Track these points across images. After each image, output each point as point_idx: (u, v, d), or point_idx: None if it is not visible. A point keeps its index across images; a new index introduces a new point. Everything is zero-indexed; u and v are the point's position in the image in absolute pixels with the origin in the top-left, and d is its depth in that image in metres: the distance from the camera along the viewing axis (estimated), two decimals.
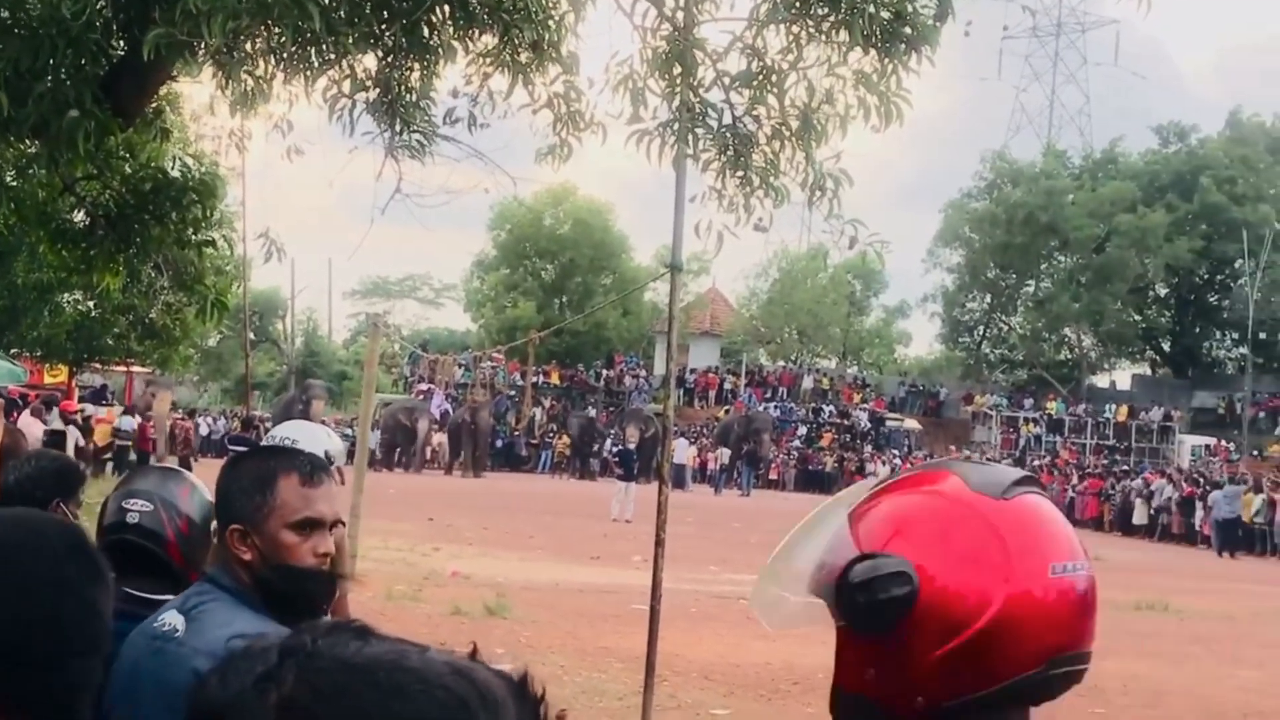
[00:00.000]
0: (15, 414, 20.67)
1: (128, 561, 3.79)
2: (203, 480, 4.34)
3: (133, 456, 32.73)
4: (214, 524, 3.84)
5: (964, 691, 1.86)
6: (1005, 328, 77.74)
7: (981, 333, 78.78)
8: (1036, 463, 54.96)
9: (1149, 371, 76.13)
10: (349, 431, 36.10)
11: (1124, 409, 64.42)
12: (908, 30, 7.61)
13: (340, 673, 1.15)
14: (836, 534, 1.96)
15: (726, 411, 63.00)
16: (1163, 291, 73.43)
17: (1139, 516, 44.12)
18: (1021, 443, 63.34)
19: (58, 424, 26.04)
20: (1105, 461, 55.63)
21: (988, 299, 76.99)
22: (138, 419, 35.24)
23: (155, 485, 4.21)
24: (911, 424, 65.92)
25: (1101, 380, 74.89)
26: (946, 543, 1.89)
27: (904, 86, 7.72)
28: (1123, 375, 76.59)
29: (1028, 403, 66.90)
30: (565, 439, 57.62)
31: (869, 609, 1.89)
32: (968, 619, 1.85)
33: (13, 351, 24.51)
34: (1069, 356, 74.96)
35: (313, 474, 3.20)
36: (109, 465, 32.15)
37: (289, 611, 3.02)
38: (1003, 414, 66.10)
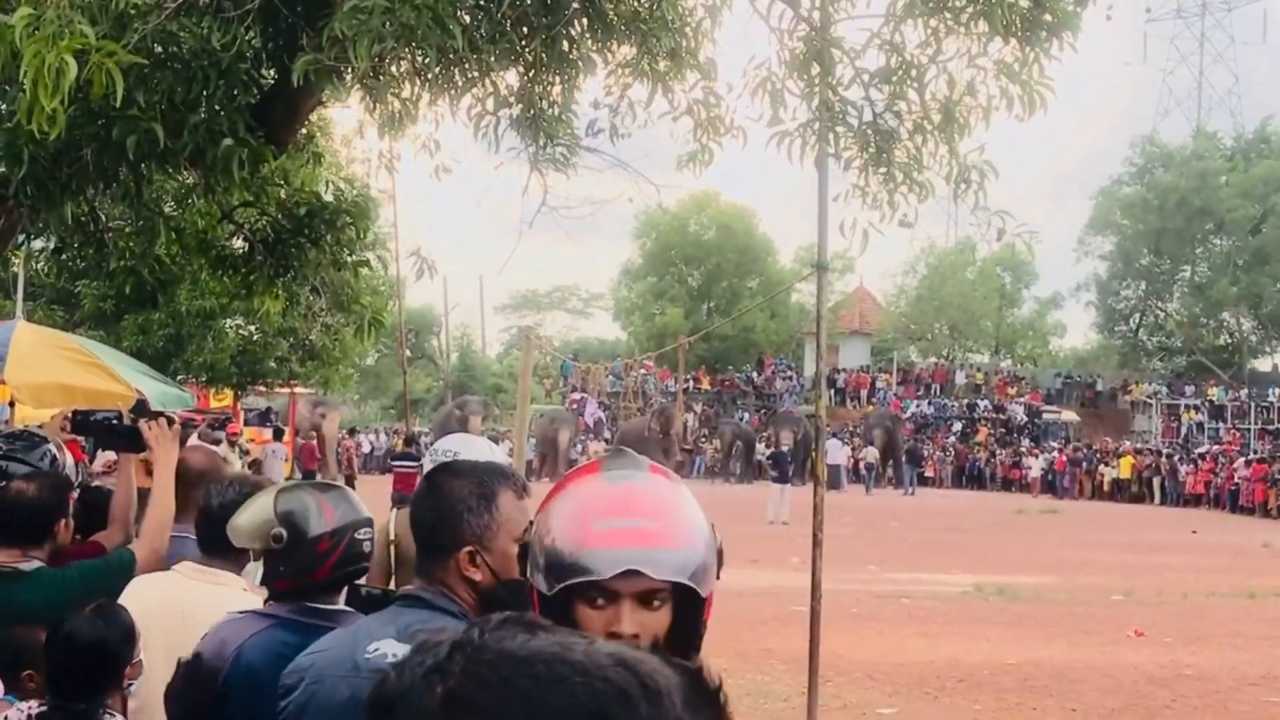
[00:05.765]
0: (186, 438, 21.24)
1: None
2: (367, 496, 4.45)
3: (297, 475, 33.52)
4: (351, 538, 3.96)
5: None
6: (1162, 314, 76.13)
7: (1138, 320, 77.20)
8: (1200, 449, 53.64)
9: None
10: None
11: None
12: (1048, 18, 7.54)
13: (503, 664, 1.17)
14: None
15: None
16: None
17: None
18: (1184, 430, 61.93)
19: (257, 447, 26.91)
20: (1270, 446, 54.14)
21: (1142, 286, 75.47)
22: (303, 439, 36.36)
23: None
24: (1069, 416, 64.78)
25: (1263, 364, 73.01)
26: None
27: (1046, 75, 7.65)
28: None
29: (1188, 389, 65.38)
30: (715, 443, 57.36)
31: None
32: None
33: (179, 377, 25.16)
34: (1229, 341, 73.27)
35: (523, 486, 3.26)
36: None
37: None
38: (1163, 402, 64.67)
